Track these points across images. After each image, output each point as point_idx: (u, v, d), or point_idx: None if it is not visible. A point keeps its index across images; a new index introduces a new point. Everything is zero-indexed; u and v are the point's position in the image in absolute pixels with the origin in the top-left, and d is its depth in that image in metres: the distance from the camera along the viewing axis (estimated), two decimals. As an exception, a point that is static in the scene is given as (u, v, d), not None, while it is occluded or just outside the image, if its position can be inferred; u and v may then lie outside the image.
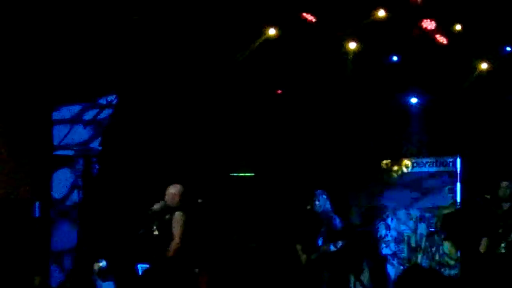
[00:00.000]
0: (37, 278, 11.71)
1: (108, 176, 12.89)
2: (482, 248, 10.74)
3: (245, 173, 13.76)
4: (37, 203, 12.45)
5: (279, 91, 13.17)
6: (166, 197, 10.11)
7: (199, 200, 10.39)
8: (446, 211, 12.40)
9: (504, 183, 10.90)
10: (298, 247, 11.36)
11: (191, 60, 12.17)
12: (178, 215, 9.89)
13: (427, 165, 12.70)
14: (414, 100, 12.92)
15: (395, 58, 12.43)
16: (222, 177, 13.44)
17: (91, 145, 12.80)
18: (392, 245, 12.92)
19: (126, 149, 12.87)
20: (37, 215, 12.44)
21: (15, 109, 12.19)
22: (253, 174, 13.73)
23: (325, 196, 11.51)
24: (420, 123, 13.05)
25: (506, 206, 10.96)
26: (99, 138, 12.75)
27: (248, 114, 13.14)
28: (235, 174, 13.68)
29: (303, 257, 11.29)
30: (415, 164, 12.83)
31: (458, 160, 12.38)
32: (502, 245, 10.74)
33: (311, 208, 11.36)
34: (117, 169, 12.85)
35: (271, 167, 13.55)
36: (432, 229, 12.47)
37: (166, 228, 9.93)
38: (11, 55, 11.38)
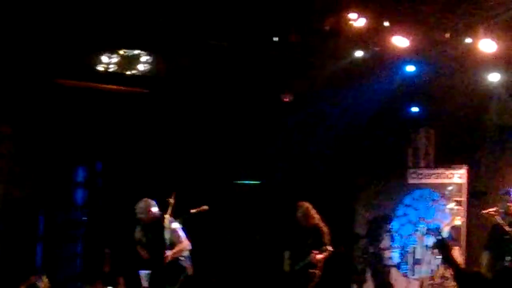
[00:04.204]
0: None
1: (113, 184, 12.98)
2: (483, 261, 10.62)
3: (250, 181, 13.73)
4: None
5: (286, 99, 13.13)
6: (140, 215, 10.24)
7: (192, 210, 10.44)
8: (452, 224, 12.32)
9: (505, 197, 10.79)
10: (286, 254, 11.28)
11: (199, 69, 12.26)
12: (175, 225, 10.16)
13: (433, 176, 12.62)
14: (415, 109, 12.86)
15: (411, 68, 12.24)
16: (227, 185, 13.42)
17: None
18: (397, 256, 12.84)
19: (131, 156, 12.91)
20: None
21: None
22: (258, 182, 13.69)
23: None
24: (426, 134, 12.98)
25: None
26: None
27: (253, 121, 13.12)
28: (239, 182, 13.67)
29: (287, 264, 11.20)
30: (421, 175, 12.76)
31: (465, 172, 12.29)
32: (507, 258, 10.58)
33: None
34: (122, 177, 12.92)
35: (277, 175, 13.51)
36: (437, 241, 12.35)
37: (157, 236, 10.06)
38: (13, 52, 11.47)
